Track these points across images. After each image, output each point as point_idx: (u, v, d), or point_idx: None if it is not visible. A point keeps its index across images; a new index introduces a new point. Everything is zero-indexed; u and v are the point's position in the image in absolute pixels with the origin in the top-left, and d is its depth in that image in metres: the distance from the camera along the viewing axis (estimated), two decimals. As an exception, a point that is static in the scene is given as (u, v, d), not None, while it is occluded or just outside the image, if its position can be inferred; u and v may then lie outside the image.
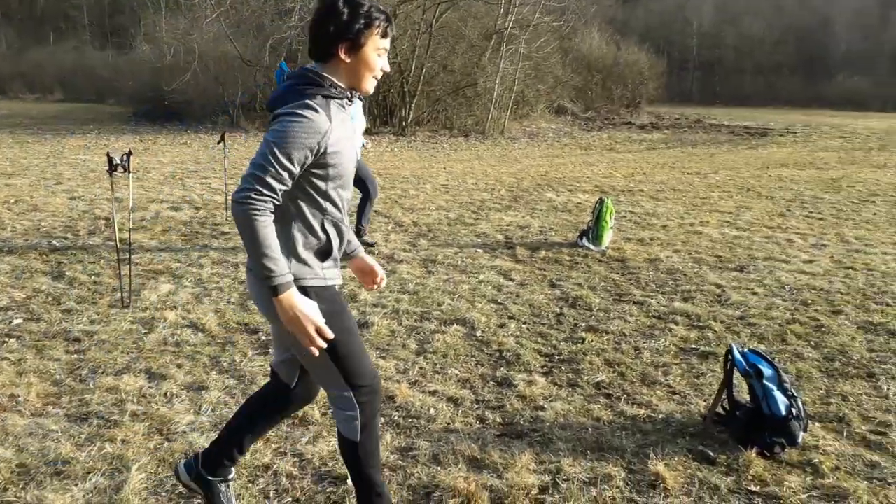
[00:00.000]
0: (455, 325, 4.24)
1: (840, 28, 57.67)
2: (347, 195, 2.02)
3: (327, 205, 1.94)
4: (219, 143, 7.31)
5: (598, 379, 3.55)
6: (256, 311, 4.37)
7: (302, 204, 1.91)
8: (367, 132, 18.91)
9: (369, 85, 1.97)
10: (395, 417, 3.07)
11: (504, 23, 20.47)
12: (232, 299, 4.66)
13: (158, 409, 3.09)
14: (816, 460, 2.78)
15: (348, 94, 1.94)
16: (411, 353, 3.81)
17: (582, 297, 4.90)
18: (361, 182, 6.06)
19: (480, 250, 6.21)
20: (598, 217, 6.45)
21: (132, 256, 5.19)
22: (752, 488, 2.59)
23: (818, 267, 5.75)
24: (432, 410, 3.14)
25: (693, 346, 4.00)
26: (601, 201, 6.53)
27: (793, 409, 2.85)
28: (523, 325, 4.32)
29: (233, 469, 2.30)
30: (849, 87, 52.52)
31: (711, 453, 2.82)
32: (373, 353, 3.76)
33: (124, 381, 3.34)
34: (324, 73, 1.89)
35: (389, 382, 3.38)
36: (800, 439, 2.87)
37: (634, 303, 4.81)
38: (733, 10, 55.80)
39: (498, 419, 3.10)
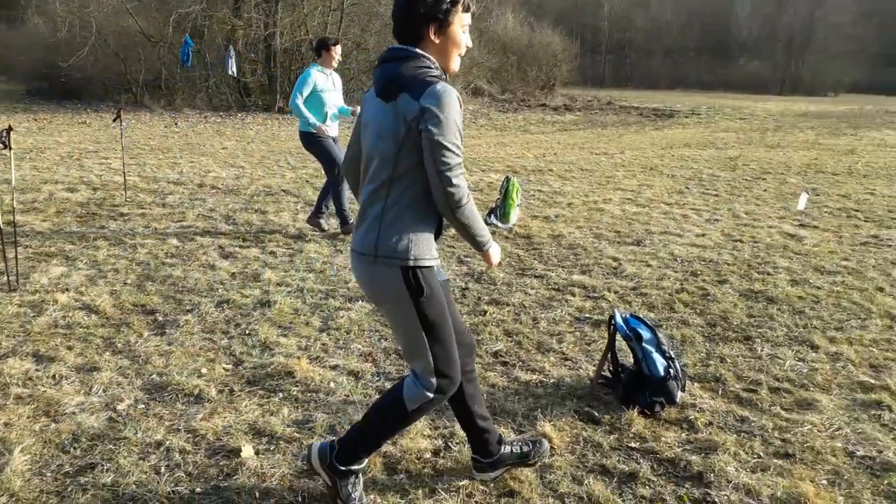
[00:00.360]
0: (360, 302, 4.26)
1: (742, 14, 60.50)
2: None
3: None
4: (114, 120, 7.01)
5: (497, 348, 3.67)
6: (154, 292, 4.26)
7: (423, 186, 1.95)
8: (280, 111, 18.54)
9: (456, 63, 2.02)
10: (294, 392, 3.08)
11: (418, 2, 20.37)
12: (129, 280, 4.51)
13: (45, 391, 2.99)
14: (692, 417, 2.98)
15: (446, 77, 1.98)
16: (314, 329, 3.82)
17: (487, 272, 5.02)
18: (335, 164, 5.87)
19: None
20: (504, 195, 6.59)
21: (21, 239, 4.93)
22: (633, 445, 2.76)
23: (709, 240, 6.09)
24: (332, 384, 3.17)
25: (587, 316, 4.18)
26: (507, 180, 6.67)
27: (670, 370, 3.04)
28: (428, 300, 4.39)
29: (366, 461, 2.29)
30: (750, 71, 55.31)
31: (596, 413, 2.98)
32: (274, 331, 3.75)
33: (9, 365, 3.20)
34: (429, 55, 1.95)
35: (290, 359, 3.39)
36: (678, 398, 3.07)
37: (536, 276, 4.97)
38: (643, -6, 57.50)
39: (397, 390, 3.16)
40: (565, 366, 3.49)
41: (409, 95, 1.89)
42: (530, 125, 19.30)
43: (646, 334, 3.11)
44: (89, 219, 6.16)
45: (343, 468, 2.21)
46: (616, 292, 4.63)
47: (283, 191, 7.78)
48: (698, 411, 3.03)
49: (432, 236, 2.03)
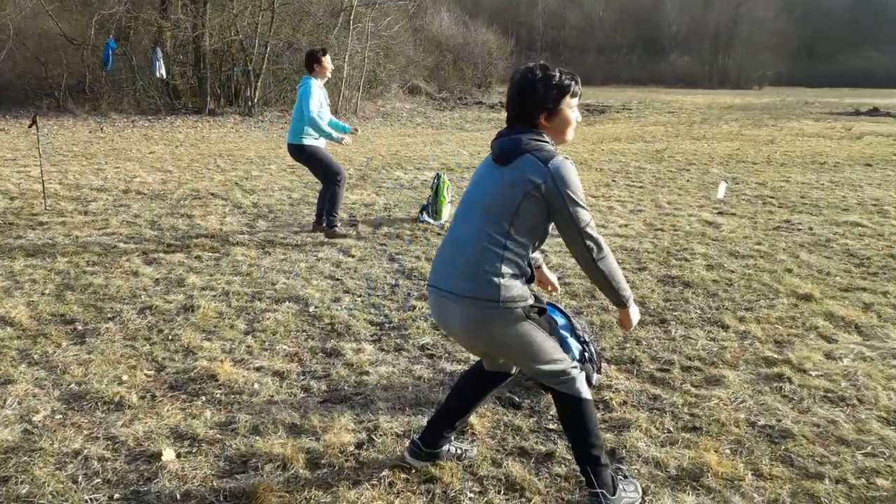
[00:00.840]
0: (287, 303, 4.26)
1: (671, 10, 62.33)
2: None
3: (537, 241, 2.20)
4: (30, 126, 6.77)
5: (423, 341, 3.73)
6: (74, 302, 4.17)
7: (530, 240, 2.14)
8: (211, 113, 18.16)
9: (570, 136, 2.24)
10: (217, 395, 3.07)
11: (350, 0, 20.28)
12: (47, 290, 4.39)
13: (-46, 408, 2.89)
14: (608, 397, 3.11)
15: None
16: (239, 332, 3.80)
17: (418, 268, 5.08)
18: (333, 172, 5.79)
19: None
20: (436, 192, 6.68)
21: (-72, 252, 4.73)
22: (551, 426, 2.87)
23: (632, 230, 6.31)
24: (256, 385, 3.17)
25: (514, 307, 4.29)
26: (438, 177, 6.76)
27: (585, 353, 3.16)
28: (358, 299, 4.42)
29: (608, 462, 2.33)
30: (680, 66, 57.08)
31: (517, 398, 3.08)
32: (197, 335, 3.71)
33: (-86, 384, 3.09)
34: (546, 137, 2.16)
35: (213, 363, 3.37)
36: (594, 380, 3.19)
37: (467, 271, 5.05)
38: (575, -9, 58.56)
39: (323, 387, 3.19)
40: (490, 355, 3.57)
41: (536, 158, 2.08)
42: (466, 123, 19.48)
43: (560, 320, 3.22)
44: (5, 229, 5.95)
45: (610, 491, 2.27)
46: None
47: (212, 194, 7.66)
48: (613, 392, 3.17)
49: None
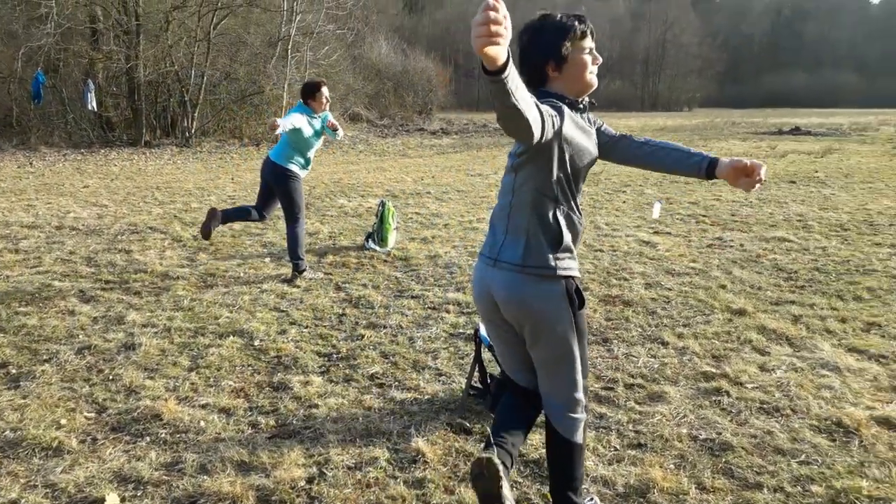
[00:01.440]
0: (232, 337, 4.20)
1: (601, 36, 64.50)
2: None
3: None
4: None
5: (373, 371, 3.73)
6: (6, 344, 4.01)
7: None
8: (147, 144, 17.77)
9: (591, 79, 2.07)
10: (162, 435, 2.99)
11: (288, 30, 20.27)
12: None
13: None
14: (556, 418, 3.17)
15: (578, 103, 2.07)
16: (183, 369, 3.72)
17: (365, 296, 5.08)
18: (267, 203, 5.66)
19: (266, 260, 6.16)
20: (381, 219, 6.70)
21: None
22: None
23: (574, 251, 6.45)
24: (202, 423, 3.11)
25: (461, 331, 4.34)
26: (383, 204, 6.78)
27: (533, 376, 3.22)
28: (304, 330, 4.39)
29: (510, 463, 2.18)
30: (613, 90, 59.01)
31: (468, 424, 3.11)
32: (139, 374, 3.62)
33: None
34: (553, 92, 2.02)
35: (157, 401, 3.29)
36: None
37: (413, 297, 5.08)
38: (511, 19, 59.93)
39: (271, 422, 3.15)
40: (439, 381, 3.60)
41: None
42: (409, 149, 19.59)
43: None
44: (-71, 271, 5.67)
45: None
46: (488, 307, 4.81)
47: (150, 228, 7.49)
48: (562, 413, 3.23)
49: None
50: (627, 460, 2.81)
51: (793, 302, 4.87)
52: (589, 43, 2.07)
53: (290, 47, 20.13)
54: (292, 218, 5.52)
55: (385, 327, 4.44)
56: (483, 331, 3.33)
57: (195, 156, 16.44)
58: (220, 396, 3.39)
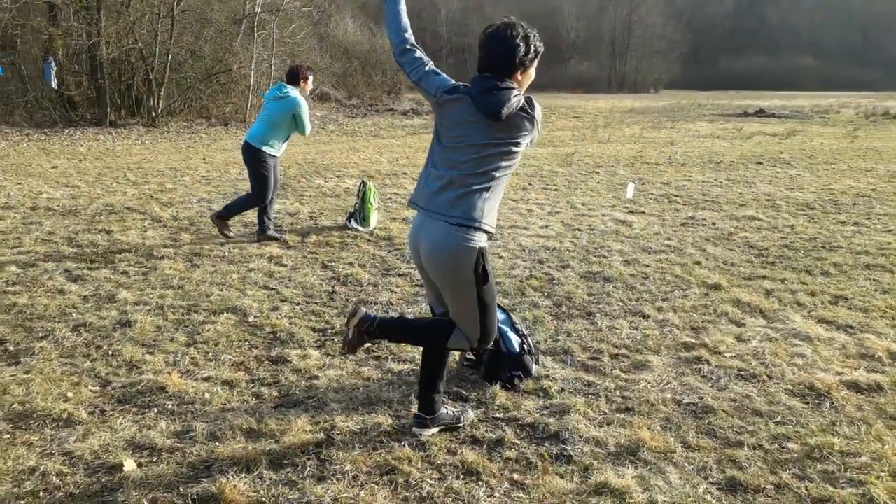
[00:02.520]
0: (226, 314, 4.26)
1: (568, 17, 64.63)
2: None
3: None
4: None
5: (368, 344, 3.84)
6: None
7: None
8: (112, 124, 17.42)
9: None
10: (169, 406, 3.07)
11: (252, 7, 19.96)
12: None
13: None
14: (547, 386, 3.33)
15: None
16: (181, 345, 3.78)
17: (353, 274, 5.17)
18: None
19: (249, 240, 6.20)
20: (362, 199, 6.76)
21: None
22: (497, 415, 3.06)
23: (552, 230, 6.63)
24: (207, 395, 3.20)
25: (450, 307, 4.46)
26: (364, 184, 6.85)
27: (524, 346, 3.38)
28: (296, 307, 4.47)
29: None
30: (581, 71, 59.30)
31: (464, 392, 3.25)
32: (138, 349, 3.68)
33: None
34: (513, 85, 2.47)
35: (160, 375, 3.36)
36: (533, 371, 3.41)
37: (400, 275, 5.19)
38: (477, -2, 59.79)
39: (274, 393, 3.25)
40: (433, 354, 3.73)
41: (524, 115, 2.46)
42: (381, 130, 19.56)
43: (500, 315, 3.42)
44: None
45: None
46: (474, 283, 4.95)
47: (127, 208, 7.44)
48: (551, 381, 3.39)
49: None
50: (617, 423, 2.99)
51: (764, 277, 5.11)
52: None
53: (255, 24, 19.83)
54: (256, 195, 5.83)
55: (376, 304, 4.54)
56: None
57: (163, 136, 16.19)
58: (222, 370, 3.47)
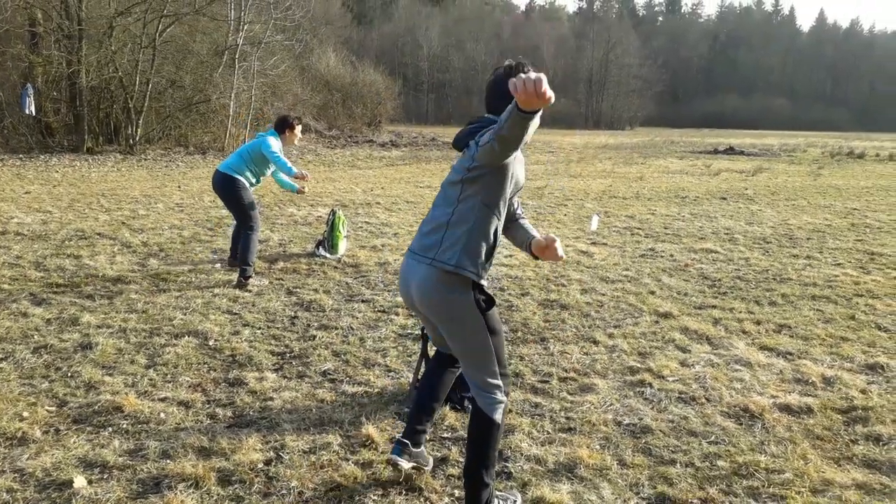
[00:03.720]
0: (187, 338, 4.34)
1: (547, 54, 66.00)
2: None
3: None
4: None
5: (325, 368, 3.94)
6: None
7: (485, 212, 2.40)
8: (89, 151, 17.43)
9: None
10: (124, 425, 3.14)
11: (235, 39, 20.24)
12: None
13: None
14: (496, 407, 3.44)
15: None
16: (140, 367, 3.86)
17: (316, 300, 5.27)
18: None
19: (217, 265, 6.28)
20: (331, 227, 6.90)
21: None
22: (445, 435, 3.17)
23: (515, 260, 6.80)
24: (162, 415, 3.27)
25: (409, 332, 4.59)
26: (333, 213, 6.99)
27: (475, 369, 3.49)
28: (258, 331, 4.56)
29: (493, 489, 2.53)
30: (558, 108, 60.40)
31: (414, 414, 3.36)
32: (98, 371, 3.74)
33: None
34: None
35: (117, 396, 3.43)
36: (484, 393, 3.52)
37: (363, 301, 5.31)
38: (457, 35, 60.95)
39: (228, 413, 3.33)
40: (389, 376, 3.85)
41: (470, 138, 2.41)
42: (358, 160, 19.76)
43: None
44: None
45: None
46: (434, 310, 5.08)
47: (98, 234, 7.50)
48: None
49: None
50: (558, 442, 3.11)
51: (714, 306, 5.30)
52: None
53: (237, 56, 20.09)
54: (245, 225, 5.69)
55: (336, 328, 4.65)
56: (429, 327, 3.59)
57: (140, 163, 16.25)
58: (179, 391, 3.55)
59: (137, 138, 18.29)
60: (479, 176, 2.37)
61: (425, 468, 2.81)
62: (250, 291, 5.45)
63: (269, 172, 5.84)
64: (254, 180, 5.76)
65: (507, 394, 2.55)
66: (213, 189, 5.86)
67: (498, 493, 2.60)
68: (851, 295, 5.71)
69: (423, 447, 2.80)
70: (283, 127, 5.72)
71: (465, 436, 3.11)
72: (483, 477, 2.48)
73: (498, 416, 2.49)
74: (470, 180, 2.38)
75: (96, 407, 3.31)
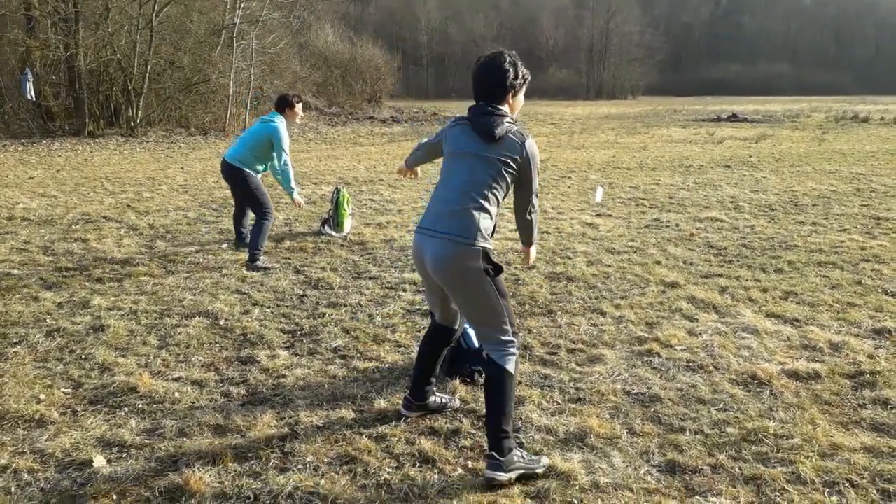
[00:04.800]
0: (198, 318, 4.38)
1: (547, 25, 65.29)
2: None
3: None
4: None
5: (336, 344, 3.98)
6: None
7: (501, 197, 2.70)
8: (91, 134, 17.40)
9: (517, 114, 2.81)
10: (140, 405, 3.19)
11: (232, 18, 20.06)
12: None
13: None
14: (506, 380, 3.48)
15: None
16: (153, 347, 3.90)
17: (324, 278, 5.30)
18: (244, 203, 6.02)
19: (224, 245, 6.31)
20: (336, 205, 6.91)
21: None
22: (457, 407, 3.20)
23: (522, 233, 6.79)
24: (177, 394, 3.32)
25: (417, 307, 4.62)
26: (337, 191, 6.99)
27: (485, 342, 3.53)
28: (267, 310, 4.60)
29: (513, 439, 2.69)
30: (560, 79, 59.89)
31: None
32: (111, 353, 3.79)
33: None
34: (505, 111, 2.68)
35: (131, 377, 3.47)
36: (493, 366, 3.56)
37: (371, 278, 5.33)
38: (456, 6, 60.24)
39: (242, 392, 3.38)
40: (399, 352, 3.88)
41: (515, 139, 2.62)
42: (360, 137, 19.68)
43: (461, 314, 3.58)
44: None
45: (506, 457, 2.60)
46: (442, 285, 5.11)
47: (104, 217, 7.52)
48: (511, 375, 3.54)
49: None
50: (568, 412, 3.15)
51: (721, 275, 5.31)
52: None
53: (235, 35, 19.92)
54: (260, 213, 5.74)
55: (345, 306, 4.68)
56: (438, 302, 3.62)
57: (142, 146, 16.22)
58: (192, 371, 3.60)
59: (138, 120, 18.23)
60: (509, 174, 2.66)
61: (448, 405, 3.14)
62: (259, 272, 5.48)
63: (270, 160, 5.85)
64: (260, 167, 5.81)
65: (518, 347, 2.75)
66: (223, 178, 5.93)
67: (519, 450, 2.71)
68: (858, 260, 5.71)
69: (429, 398, 3.08)
70: (283, 106, 5.74)
71: (476, 409, 3.16)
72: (502, 425, 2.65)
73: (511, 367, 2.69)
74: (501, 174, 2.65)
75: (111, 388, 3.36)
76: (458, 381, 3.41)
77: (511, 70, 2.65)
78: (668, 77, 69.49)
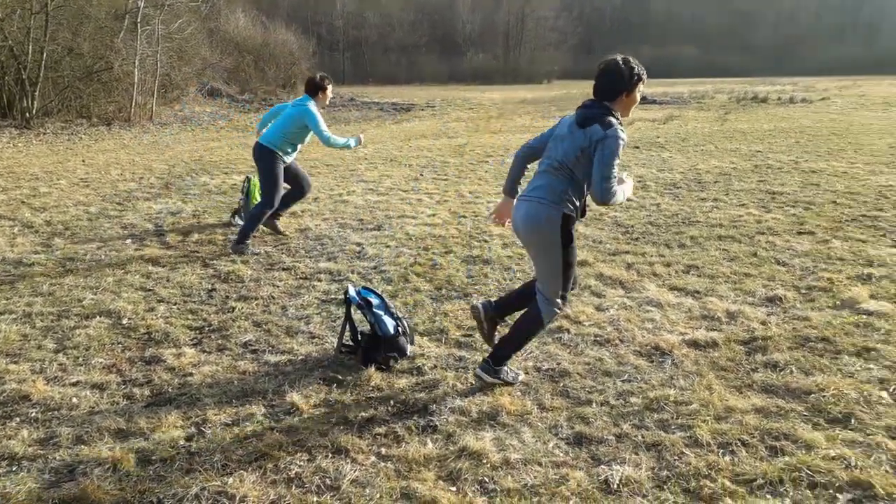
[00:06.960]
0: (98, 318, 4.18)
1: (463, 9, 65.36)
2: None
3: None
4: None
5: (246, 339, 3.88)
6: None
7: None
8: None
9: (630, 112, 3.08)
10: (32, 414, 3.02)
11: (135, 2, 19.12)
12: None
13: None
14: (421, 364, 3.50)
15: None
16: (48, 351, 3.70)
17: (234, 271, 5.15)
18: (297, 181, 6.09)
19: (128, 241, 6.04)
20: (247, 195, 6.71)
21: None
22: (371, 395, 3.19)
23: (438, 219, 6.82)
24: (74, 399, 3.16)
25: (332, 297, 4.56)
26: (248, 180, 6.79)
27: (399, 328, 3.53)
28: (173, 306, 4.43)
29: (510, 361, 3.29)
30: (476, 64, 60.18)
31: (340, 376, 3.36)
32: (1, 360, 3.56)
33: None
34: (614, 110, 2.97)
35: (23, 384, 3.28)
36: (409, 351, 3.57)
37: (284, 269, 5.22)
38: (371, -9, 59.40)
39: (146, 392, 3.25)
40: (312, 343, 3.82)
41: (600, 126, 2.88)
42: (273, 126, 19.20)
43: (375, 300, 3.56)
44: None
45: (498, 367, 3.20)
46: (359, 273, 5.07)
47: (-3, 216, 7.06)
48: (425, 358, 3.56)
49: None
50: (480, 392, 3.19)
51: (627, 252, 5.49)
52: (643, 88, 3.10)
53: (139, 20, 18.99)
54: (264, 198, 5.71)
55: (257, 299, 4.57)
56: (352, 291, 3.59)
57: (38, 138, 15.28)
58: (92, 373, 3.43)
59: (34, 111, 17.15)
60: (584, 160, 2.97)
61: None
62: (163, 267, 5.27)
63: (307, 140, 5.85)
64: (290, 150, 5.78)
65: (562, 309, 3.19)
66: (253, 159, 5.84)
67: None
68: (754, 233, 6.03)
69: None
70: (315, 89, 5.73)
71: (391, 395, 3.16)
72: (510, 347, 3.21)
73: (546, 320, 3.15)
74: (579, 160, 2.97)
75: (1, 397, 3.16)
76: (372, 369, 3.39)
77: (626, 72, 2.95)
78: (581, 61, 70.94)
